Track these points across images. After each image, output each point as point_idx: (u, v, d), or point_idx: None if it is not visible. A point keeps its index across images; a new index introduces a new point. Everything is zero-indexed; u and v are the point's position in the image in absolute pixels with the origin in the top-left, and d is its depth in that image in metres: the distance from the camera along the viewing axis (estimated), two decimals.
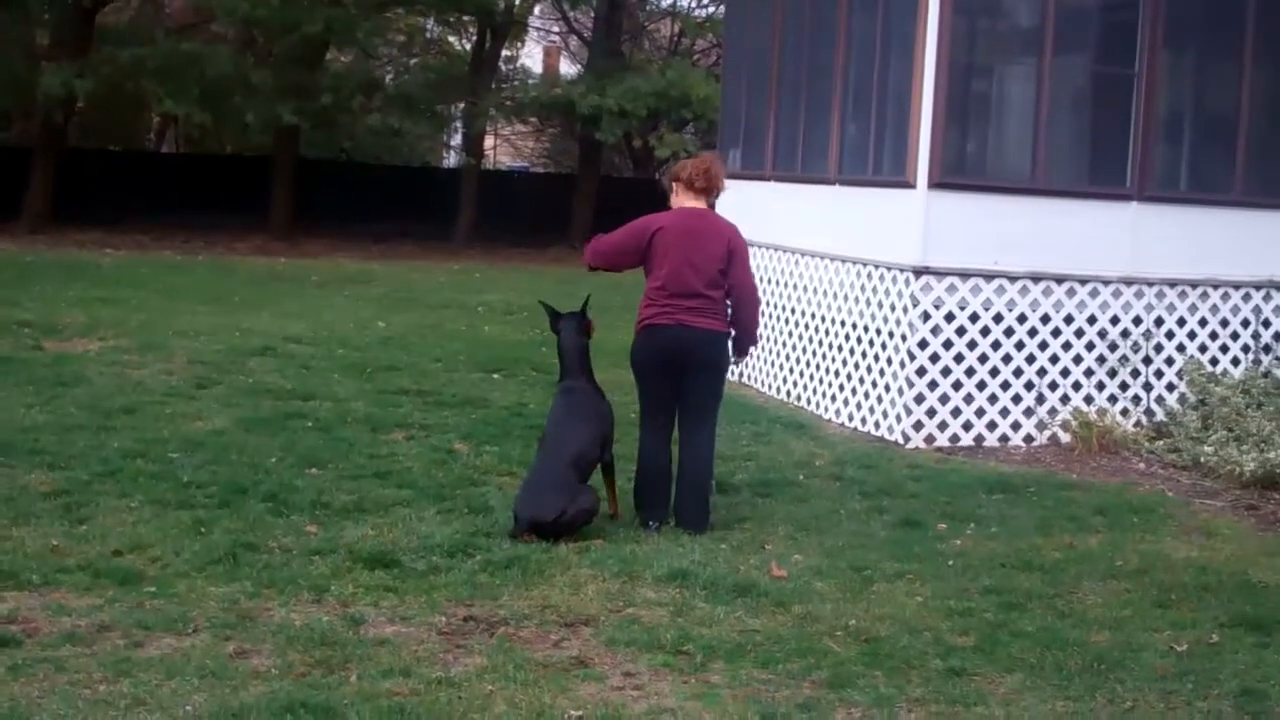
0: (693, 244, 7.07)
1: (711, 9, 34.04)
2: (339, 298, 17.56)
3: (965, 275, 9.75)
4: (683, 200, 7.28)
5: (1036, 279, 9.91)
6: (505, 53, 32.97)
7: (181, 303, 15.71)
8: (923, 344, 9.71)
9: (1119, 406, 10.14)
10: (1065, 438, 9.90)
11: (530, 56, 39.74)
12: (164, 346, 12.11)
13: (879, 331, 10.09)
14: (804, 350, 11.22)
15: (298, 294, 17.76)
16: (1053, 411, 10.00)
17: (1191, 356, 10.33)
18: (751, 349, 7.54)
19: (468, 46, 34.14)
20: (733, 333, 7.27)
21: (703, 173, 7.27)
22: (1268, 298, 10.54)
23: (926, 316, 9.70)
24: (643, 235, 7.12)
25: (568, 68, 40.13)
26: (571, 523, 6.71)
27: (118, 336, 12.59)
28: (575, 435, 7.05)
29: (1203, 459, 9.10)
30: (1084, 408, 9.97)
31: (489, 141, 36.40)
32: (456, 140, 36.21)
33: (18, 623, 5.24)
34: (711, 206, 7.40)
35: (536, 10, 34.59)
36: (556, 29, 38.38)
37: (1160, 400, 10.30)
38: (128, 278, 18.39)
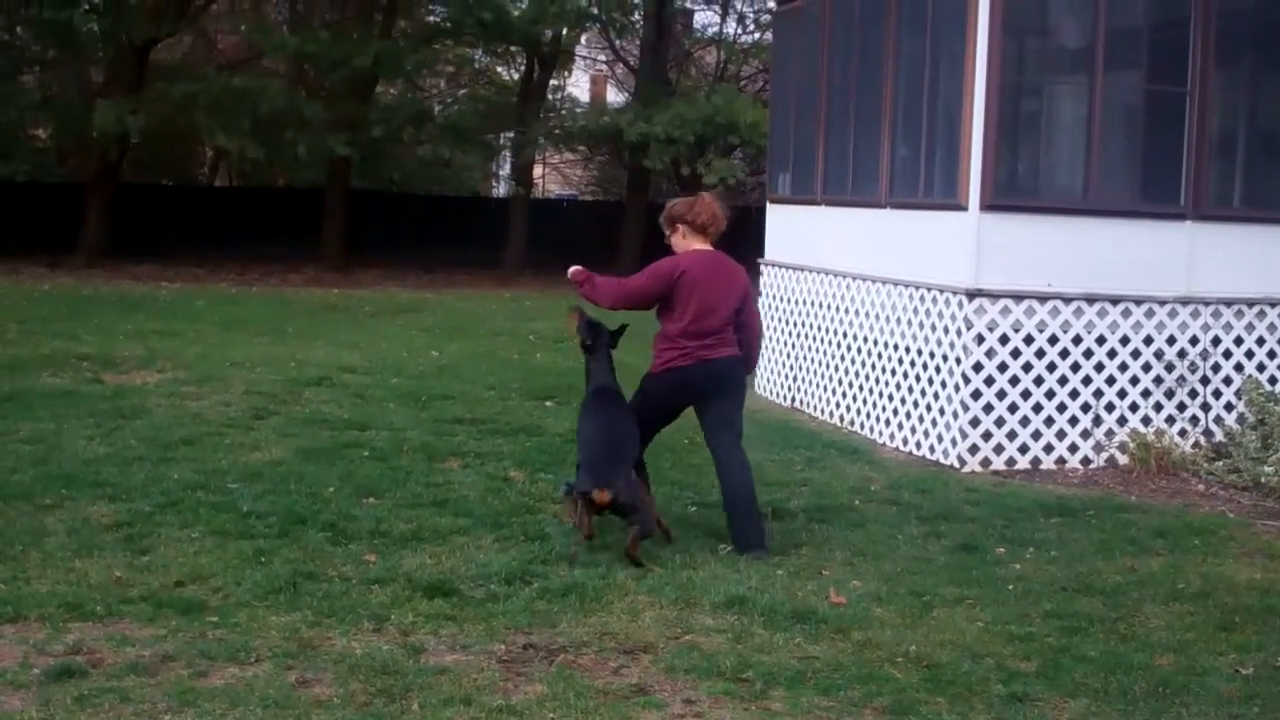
0: (715, 288, 7.24)
1: (757, 35, 34.14)
2: (392, 327, 17.69)
3: (1019, 297, 9.70)
4: (691, 242, 7.40)
5: (1091, 300, 9.85)
6: (553, 82, 33.19)
7: (238, 334, 15.89)
8: (977, 367, 9.66)
9: (1177, 428, 10.03)
10: (1123, 460, 9.81)
11: (577, 85, 39.99)
12: (221, 378, 12.25)
13: (932, 355, 10.05)
14: (857, 374, 11.19)
15: (351, 324, 17.91)
16: (1110, 433, 9.92)
17: (1250, 376, 10.21)
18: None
19: (515, 76, 34.42)
20: None
21: (712, 215, 7.42)
22: None
23: (980, 339, 9.66)
24: (669, 279, 7.23)
25: (614, 95, 40.31)
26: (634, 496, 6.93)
27: (176, 368, 12.74)
28: (630, 416, 7.34)
29: (1263, 479, 9.00)
30: (1141, 429, 9.88)
31: (538, 170, 36.66)
32: (505, 169, 36.45)
33: (83, 653, 5.30)
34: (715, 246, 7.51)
35: (583, 39, 34.79)
36: (603, 57, 38.56)
37: (1219, 420, 10.19)
38: (184, 310, 18.62)
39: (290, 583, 6.18)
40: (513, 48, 31.42)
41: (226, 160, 36.13)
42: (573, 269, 7.47)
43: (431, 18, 30.68)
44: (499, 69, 36.12)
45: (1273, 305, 10.31)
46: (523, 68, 32.68)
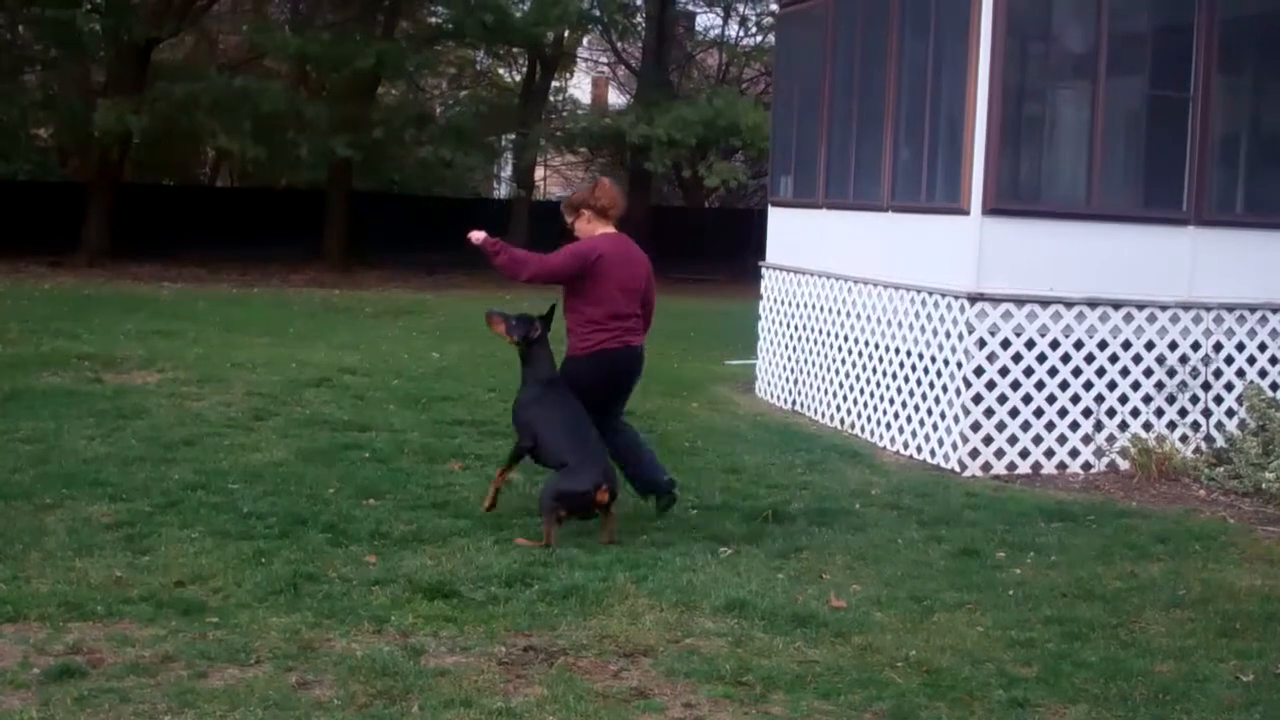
0: (627, 270, 7.56)
1: (759, 38, 34.16)
2: (393, 329, 17.70)
3: (1020, 301, 9.69)
4: (598, 227, 7.64)
5: (1093, 304, 9.84)
6: (554, 84, 33.21)
7: (238, 335, 15.88)
8: (978, 371, 9.65)
9: (1178, 433, 10.03)
10: (1124, 465, 9.81)
11: (579, 87, 40.00)
12: (222, 378, 12.24)
13: (934, 359, 10.04)
14: (858, 378, 11.18)
15: (352, 326, 17.91)
16: (1111, 439, 9.91)
17: (1251, 381, 10.21)
18: None
19: (517, 78, 34.44)
20: None
21: (613, 199, 7.70)
22: None
23: (982, 343, 9.65)
24: (585, 261, 7.44)
25: (616, 98, 40.35)
26: None
27: (176, 369, 12.74)
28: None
29: (1264, 485, 8.99)
30: (1142, 434, 9.87)
31: (539, 172, 36.66)
32: (507, 171, 36.47)
33: (83, 653, 5.30)
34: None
35: (585, 41, 34.82)
36: (605, 59, 38.60)
37: (1220, 426, 10.18)
38: (185, 311, 18.62)
39: (290, 584, 6.18)
40: (515, 49, 31.45)
41: (228, 161, 36.14)
42: (477, 235, 7.49)
43: (433, 19, 30.70)
44: (501, 71, 36.15)
45: (1274, 311, 10.30)
46: (524, 70, 32.71)
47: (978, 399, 9.66)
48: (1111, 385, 9.94)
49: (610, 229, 7.66)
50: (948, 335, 9.87)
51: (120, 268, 25.52)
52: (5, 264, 24.57)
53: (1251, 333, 10.27)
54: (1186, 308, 10.08)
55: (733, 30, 35.97)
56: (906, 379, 10.41)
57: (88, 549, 6.66)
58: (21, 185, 31.26)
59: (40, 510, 7.36)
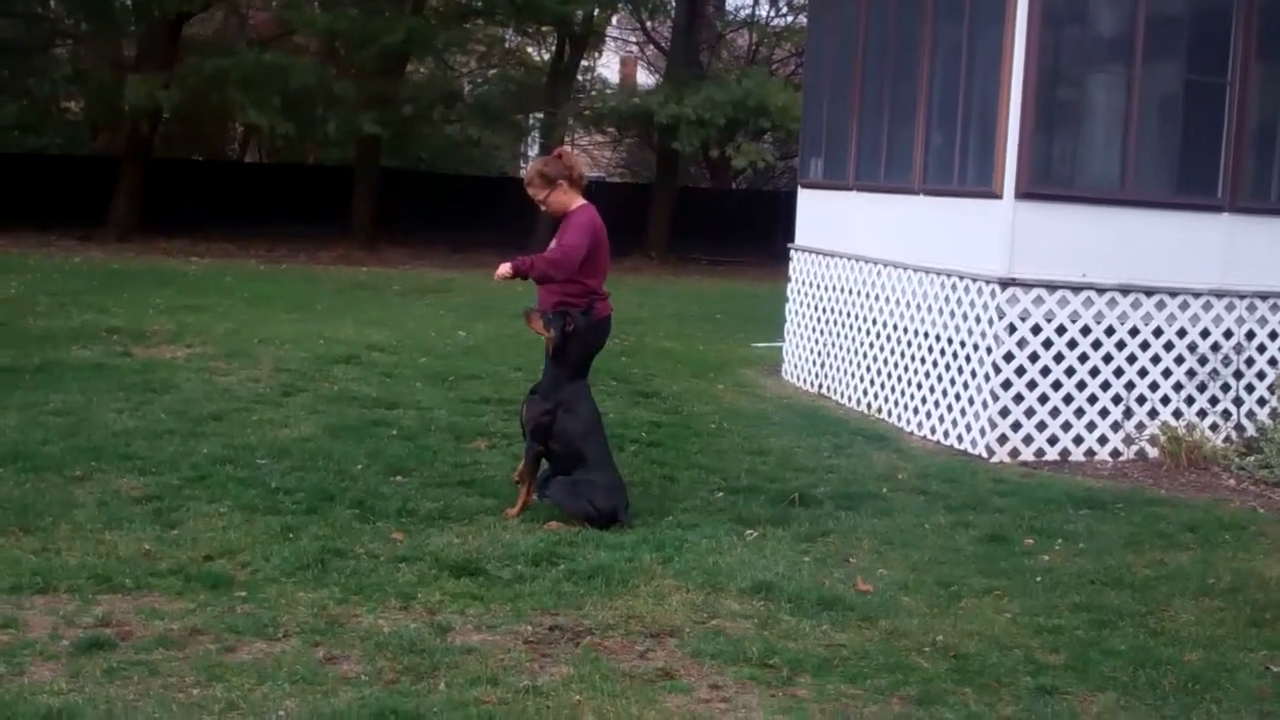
0: (606, 238, 7.50)
1: (790, 18, 34.01)
2: (420, 306, 17.72)
3: (1052, 287, 9.63)
4: (575, 197, 7.52)
5: (1125, 291, 9.77)
6: (583, 63, 33.12)
7: (267, 310, 15.93)
8: (1008, 357, 9.60)
9: (1208, 421, 9.96)
10: (1153, 453, 9.75)
11: (607, 66, 39.91)
12: (250, 354, 12.28)
13: (963, 344, 9.99)
14: (885, 362, 11.14)
15: (380, 302, 17.94)
16: (1140, 426, 9.85)
17: None
18: None
19: (546, 57, 34.36)
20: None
21: (582, 168, 7.68)
22: None
23: (1012, 329, 9.60)
24: (596, 233, 7.38)
25: (645, 78, 40.24)
26: None
27: (205, 343, 12.79)
28: None
29: None
30: (1172, 422, 9.81)
31: None
32: (534, 150, 36.42)
33: (112, 626, 5.33)
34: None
35: (614, 20, 34.71)
36: (634, 39, 38.50)
37: (1251, 415, 10.11)
38: (214, 285, 18.69)
39: (318, 559, 6.20)
40: (544, 28, 31.35)
41: (257, 136, 36.22)
42: (504, 269, 7.28)
43: None
44: (529, 49, 36.08)
45: None
46: (553, 48, 32.62)
47: (1007, 385, 9.61)
48: (1142, 372, 9.87)
49: (581, 198, 7.54)
50: (978, 320, 9.82)
51: (149, 242, 25.62)
52: (36, 238, 24.71)
53: None
54: (1219, 295, 10.00)
55: (763, 10, 35.87)
56: (935, 363, 10.36)
57: (117, 522, 6.69)
58: (52, 159, 31.38)
59: (70, 483, 7.40)
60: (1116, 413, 9.82)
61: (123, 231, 26.43)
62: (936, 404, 10.30)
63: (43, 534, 6.43)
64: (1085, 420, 9.76)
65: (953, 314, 10.15)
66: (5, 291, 16.31)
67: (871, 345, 11.41)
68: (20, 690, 4.64)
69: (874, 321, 11.39)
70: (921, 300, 10.61)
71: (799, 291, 13.01)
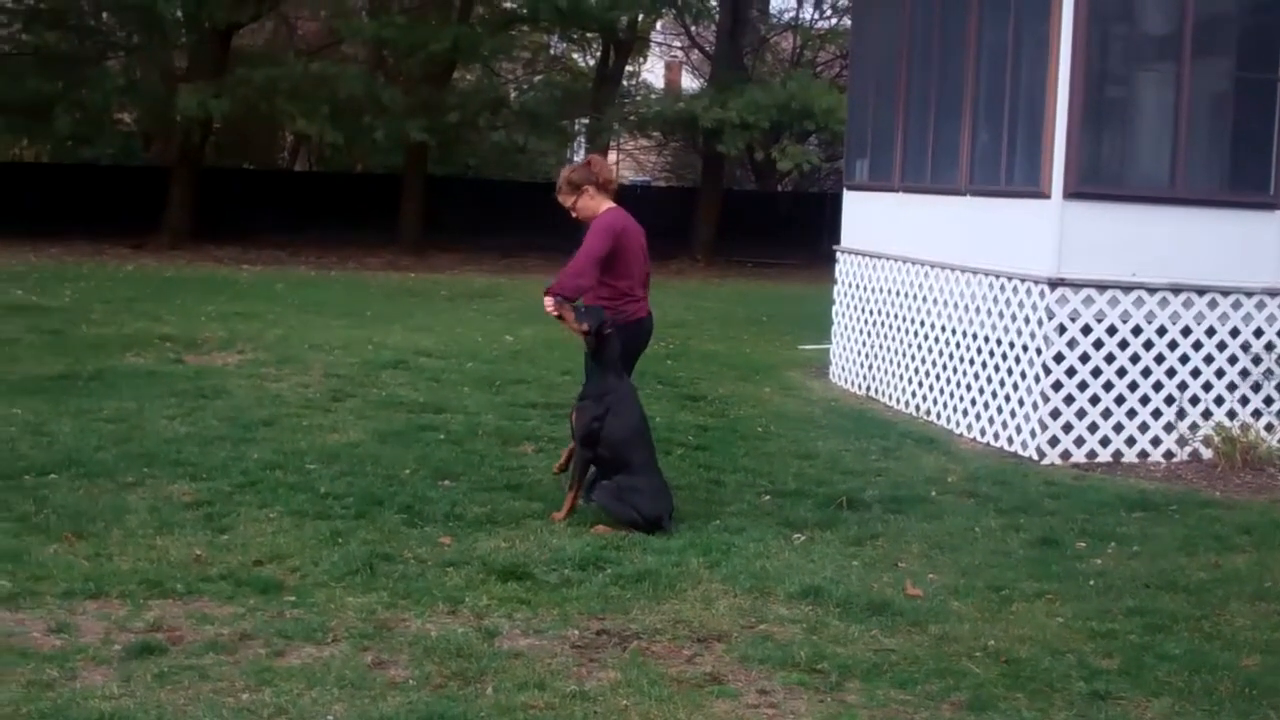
0: (637, 241, 7.57)
1: (834, 21, 33.89)
2: (468, 312, 17.78)
3: (1102, 287, 9.54)
4: (602, 202, 7.60)
5: (1176, 290, 9.66)
6: (628, 68, 33.15)
7: (316, 317, 16.04)
8: (1058, 357, 9.51)
9: (1263, 421, 9.83)
10: (1207, 454, 9.63)
11: (653, 71, 39.92)
12: (300, 360, 12.37)
13: (1012, 345, 9.91)
14: (934, 364, 11.07)
15: (428, 308, 18.02)
16: (1194, 427, 9.73)
17: None
18: None
19: (591, 63, 34.42)
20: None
21: (611, 173, 7.84)
22: None
23: (1062, 329, 9.51)
24: (615, 236, 7.40)
25: (689, 82, 40.23)
26: None
27: (256, 350, 12.89)
28: None
29: None
30: (1226, 423, 9.68)
31: (612, 156, 36.61)
32: (580, 156, 36.49)
33: (163, 631, 5.37)
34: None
35: (659, 25, 34.73)
36: (679, 43, 38.48)
37: None
38: (264, 293, 18.84)
39: (367, 564, 6.23)
40: (589, 34, 31.40)
41: (306, 145, 36.48)
42: (547, 305, 7.36)
43: (508, 3, 30.74)
44: (575, 55, 36.14)
45: None
46: (598, 54, 32.67)
47: (1057, 386, 9.52)
48: (1195, 372, 9.75)
49: (610, 203, 7.60)
50: (1027, 321, 9.74)
51: (201, 250, 25.87)
52: (89, 246, 25.01)
53: None
54: (1272, 294, 9.86)
55: (807, 13, 35.76)
56: (984, 365, 10.28)
57: (168, 527, 6.75)
58: (105, 169, 31.76)
59: (122, 488, 7.47)
60: (1169, 414, 9.70)
61: (175, 240, 26.70)
62: (986, 406, 10.22)
63: (95, 539, 6.49)
64: (1138, 421, 9.65)
65: (1001, 315, 10.07)
66: (60, 300, 16.51)
67: (920, 347, 11.34)
68: (72, 695, 4.68)
69: (922, 323, 11.32)
70: (970, 301, 10.54)
71: (845, 293, 12.95)
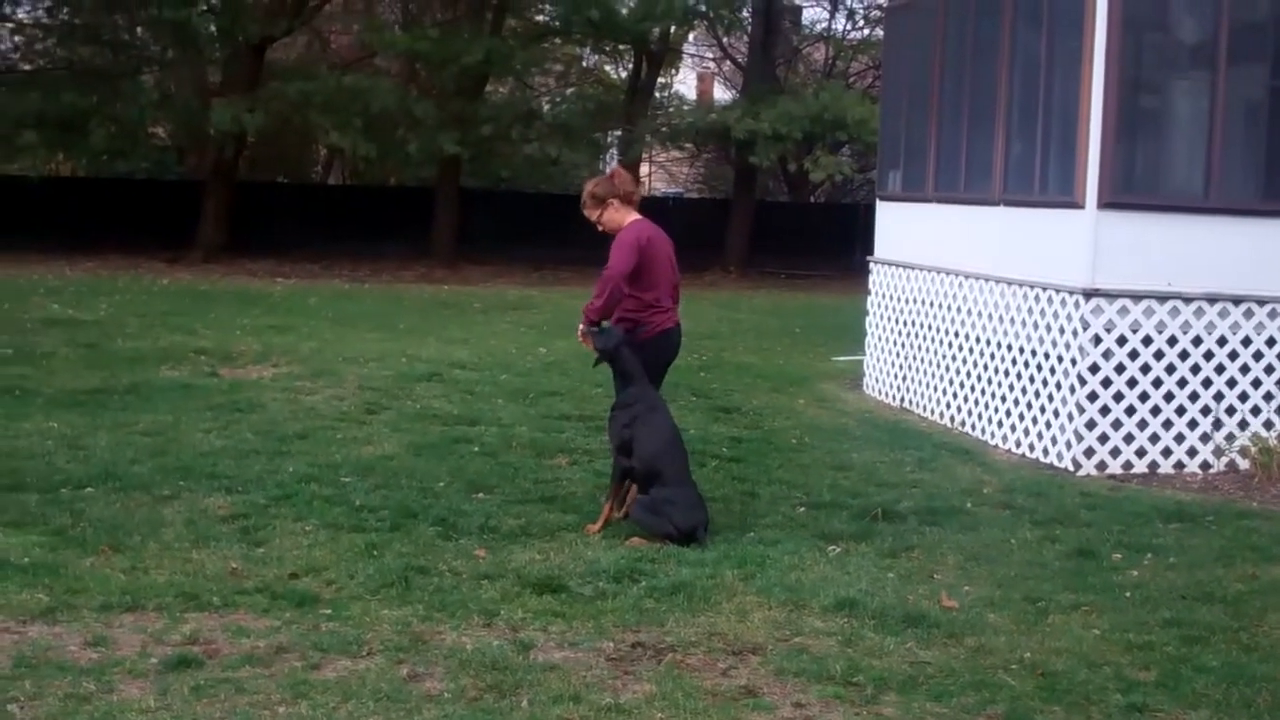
0: (664, 251, 7.57)
1: (866, 31, 33.85)
2: (501, 324, 17.84)
3: (1138, 297, 9.48)
4: (628, 214, 7.60)
5: (1212, 300, 9.60)
6: (660, 80, 33.20)
7: (350, 330, 16.12)
8: (1094, 368, 9.46)
9: None
10: (1244, 464, 9.55)
11: (685, 83, 39.94)
12: (335, 373, 12.43)
13: (1047, 355, 9.86)
14: (968, 375, 11.02)
15: (461, 321, 18.08)
16: (1230, 438, 9.66)
17: None
18: None
19: (623, 75, 34.48)
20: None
21: (635, 184, 7.85)
22: None
23: (1097, 340, 9.46)
24: (640, 248, 7.40)
25: (722, 93, 40.23)
26: None
27: (290, 363, 12.96)
28: None
29: None
30: (1263, 434, 9.60)
31: (644, 168, 36.69)
32: (612, 167, 36.55)
33: (199, 644, 5.40)
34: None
35: (691, 37, 34.77)
36: (711, 55, 38.50)
37: None
38: (298, 306, 18.95)
39: (402, 577, 6.25)
40: (621, 46, 31.47)
41: (340, 158, 36.66)
42: (582, 333, 7.46)
43: (541, 16, 30.86)
44: (607, 67, 36.23)
45: None
46: (630, 66, 32.73)
47: (1093, 396, 9.47)
48: (1231, 383, 9.68)
49: (636, 214, 7.61)
50: (1061, 331, 9.69)
51: (235, 264, 26.04)
52: (124, 260, 25.22)
53: None
54: None
55: (839, 24, 35.74)
56: (1019, 375, 10.24)
57: (204, 540, 6.79)
58: (140, 183, 32.00)
59: (158, 502, 7.52)
60: (1205, 424, 9.63)
61: (209, 253, 26.88)
62: (1021, 417, 10.17)
63: (132, 552, 6.54)
64: (1173, 432, 9.59)
65: (1036, 325, 10.03)
66: (95, 313, 16.66)
67: (954, 358, 11.30)
68: (109, 708, 4.72)
69: (956, 334, 11.28)
70: (1004, 312, 10.49)
71: (879, 304, 12.92)
